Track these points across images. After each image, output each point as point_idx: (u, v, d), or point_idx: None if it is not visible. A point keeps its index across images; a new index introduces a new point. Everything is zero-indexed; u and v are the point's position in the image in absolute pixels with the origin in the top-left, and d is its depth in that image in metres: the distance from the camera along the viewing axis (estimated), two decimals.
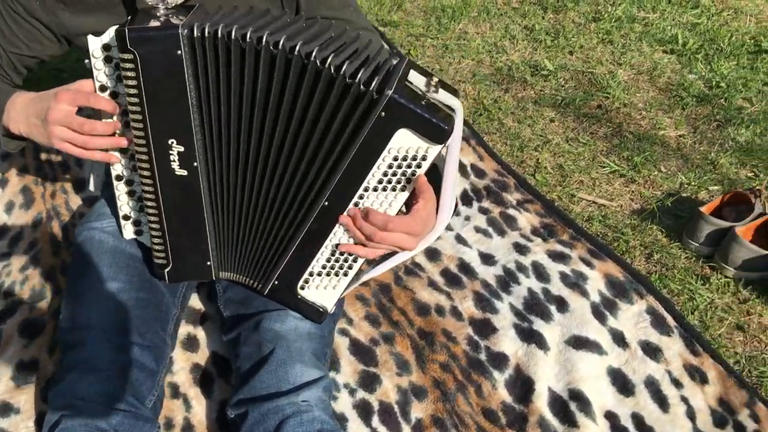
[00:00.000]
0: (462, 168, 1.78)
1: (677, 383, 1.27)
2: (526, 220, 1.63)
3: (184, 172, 1.03)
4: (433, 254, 1.53)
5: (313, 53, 0.88)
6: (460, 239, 1.58)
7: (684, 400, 1.25)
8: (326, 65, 0.88)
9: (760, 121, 1.98)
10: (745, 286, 1.47)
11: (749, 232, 1.52)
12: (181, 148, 1.01)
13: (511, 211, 1.65)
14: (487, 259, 1.53)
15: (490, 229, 1.61)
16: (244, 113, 0.96)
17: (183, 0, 0.99)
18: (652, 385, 1.27)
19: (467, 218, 1.64)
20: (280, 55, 0.90)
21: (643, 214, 1.65)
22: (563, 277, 1.46)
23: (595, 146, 1.87)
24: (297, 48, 0.88)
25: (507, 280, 1.47)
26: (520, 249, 1.54)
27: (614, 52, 2.29)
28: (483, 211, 1.66)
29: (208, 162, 1.02)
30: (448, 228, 1.62)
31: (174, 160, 1.02)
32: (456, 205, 1.07)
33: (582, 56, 2.26)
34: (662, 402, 1.25)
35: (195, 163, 1.02)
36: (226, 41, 0.91)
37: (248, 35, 0.90)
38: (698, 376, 1.29)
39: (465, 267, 1.51)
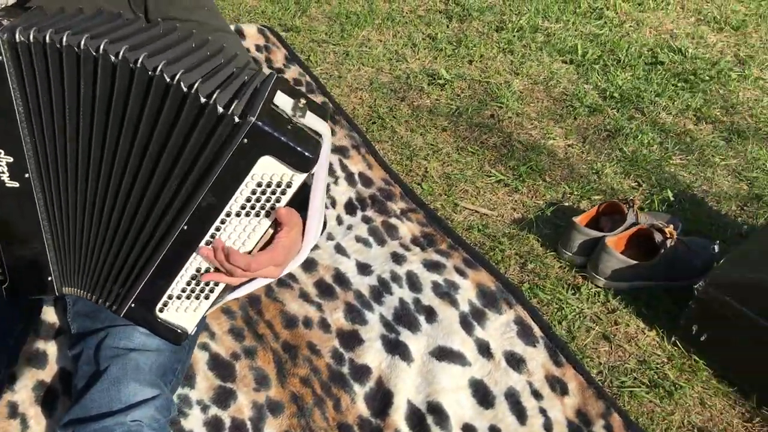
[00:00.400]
0: (350, 176, 1.76)
1: (537, 395, 1.27)
2: (408, 229, 1.61)
3: (16, 184, 0.98)
4: (309, 265, 1.50)
5: (160, 66, 0.81)
6: (339, 249, 1.56)
7: (542, 411, 1.25)
8: (175, 81, 0.81)
9: (648, 132, 2.02)
10: (615, 296, 1.48)
11: (621, 242, 1.53)
12: (10, 159, 0.95)
13: (394, 221, 1.63)
14: (364, 269, 1.51)
15: (371, 239, 1.59)
16: (82, 127, 0.90)
17: (16, 0, 0.94)
18: (512, 396, 1.27)
19: (349, 227, 1.62)
20: (121, 66, 0.83)
21: (522, 223, 1.66)
22: (435, 287, 1.45)
23: (484, 156, 1.87)
24: (141, 59, 0.82)
25: (380, 290, 1.45)
26: (397, 259, 1.52)
27: (513, 61, 2.30)
28: (366, 220, 1.64)
29: (42, 174, 0.96)
30: (329, 237, 1.60)
31: (3, 171, 0.96)
32: (324, 225, 1.04)
33: (481, 66, 2.26)
34: (520, 414, 1.24)
35: (27, 175, 0.96)
36: (57, 47, 0.85)
37: (83, 42, 0.84)
38: (559, 387, 1.29)
39: (340, 277, 1.48)
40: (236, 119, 0.82)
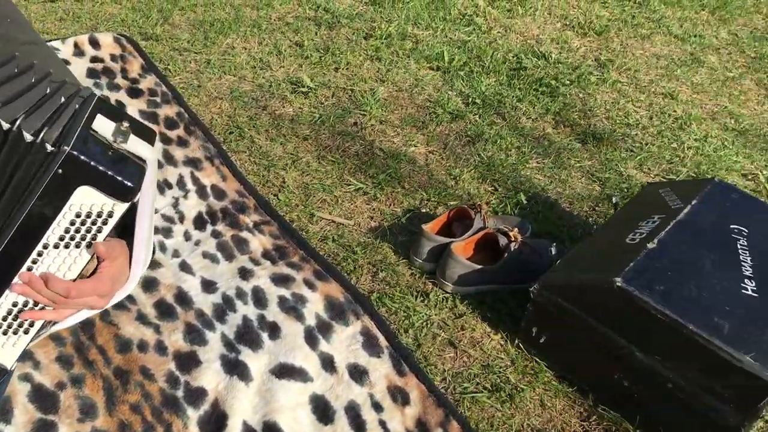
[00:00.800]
0: (201, 189, 1.71)
1: (378, 407, 1.25)
2: (259, 242, 1.57)
3: None
4: (150, 284, 1.44)
5: None
6: (184, 266, 1.50)
7: (382, 423, 1.23)
8: None
9: (507, 136, 2.05)
10: (462, 301, 1.48)
11: (469, 247, 1.54)
12: None
13: (245, 234, 1.58)
14: (209, 286, 1.45)
15: (219, 254, 1.53)
16: None
17: None
18: (352, 410, 1.24)
19: (197, 243, 1.56)
20: None
21: (377, 231, 1.64)
22: (282, 301, 1.42)
23: (344, 164, 1.85)
24: None
25: (224, 308, 1.40)
26: (245, 274, 1.48)
27: (380, 69, 2.30)
28: (215, 234, 1.58)
29: None
30: (175, 255, 1.53)
31: None
32: (153, 252, 0.99)
33: (347, 73, 2.25)
34: (360, 427, 1.22)
35: None
36: None
37: None
38: (401, 397, 1.27)
39: (182, 297, 1.42)
40: (49, 148, 0.76)
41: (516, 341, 1.41)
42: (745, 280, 1.26)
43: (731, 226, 1.38)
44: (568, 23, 2.85)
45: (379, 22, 2.59)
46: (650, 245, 1.28)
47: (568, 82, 2.38)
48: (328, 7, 2.63)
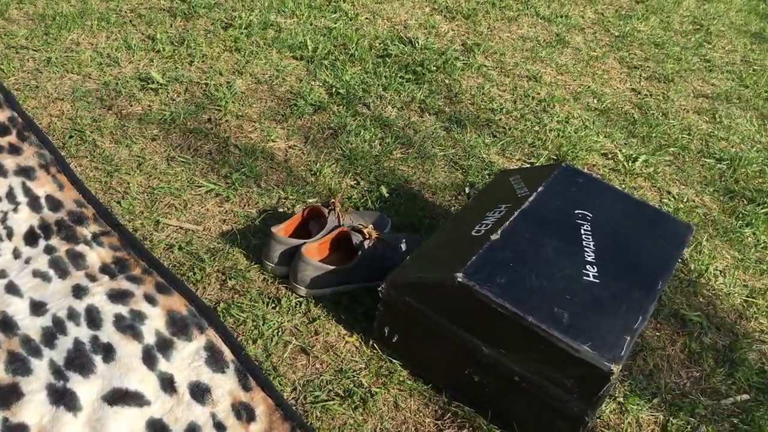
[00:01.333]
0: (34, 201, 1.57)
1: (220, 426, 1.18)
2: (98, 256, 1.45)
3: None
4: None
5: None
6: (11, 288, 1.37)
7: None
8: None
9: (371, 127, 2.00)
10: (317, 304, 1.43)
11: (324, 247, 1.48)
12: None
13: (82, 248, 1.47)
14: (38, 308, 1.33)
15: (51, 272, 1.41)
16: None
17: None
18: None
19: (27, 261, 1.43)
20: None
21: (229, 236, 1.56)
22: (118, 320, 1.31)
23: (196, 165, 1.75)
24: None
25: (54, 331, 1.29)
26: (79, 292, 1.36)
27: (239, 60, 2.20)
28: (48, 250, 1.46)
29: None
30: (1, 276, 1.40)
31: None
32: None
33: (203, 66, 2.13)
34: None
35: None
36: None
37: None
38: (246, 414, 1.20)
39: (6, 322, 1.30)
40: None
41: (371, 342, 1.37)
42: (587, 267, 1.26)
43: (576, 212, 1.37)
44: (436, 7, 2.83)
45: (240, 10, 2.48)
46: (493, 237, 1.26)
47: (434, 68, 2.36)
48: None
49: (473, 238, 1.30)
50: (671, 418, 1.36)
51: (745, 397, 1.45)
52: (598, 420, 1.33)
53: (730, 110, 2.56)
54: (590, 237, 1.32)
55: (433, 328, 1.25)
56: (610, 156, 2.12)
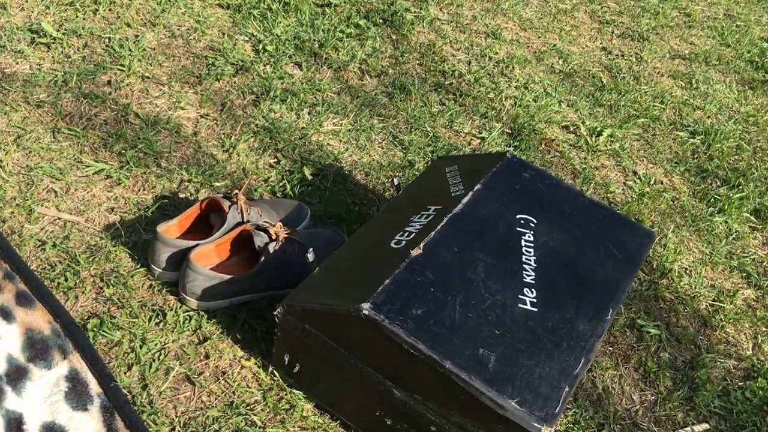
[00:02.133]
0: None
1: None
2: None
3: None
4: None
5: None
6: None
7: None
8: None
9: (299, 92, 1.74)
10: (210, 319, 1.20)
11: (223, 249, 1.25)
12: None
13: None
14: None
15: None
16: None
17: None
18: None
19: None
20: None
21: (114, 230, 1.31)
22: None
23: (86, 139, 1.49)
24: None
25: None
26: None
27: (154, 9, 1.90)
28: None
29: None
30: None
31: None
32: None
33: (108, 15, 1.84)
34: None
35: None
36: None
37: None
38: None
39: None
40: None
41: (270, 368, 1.15)
42: (525, 290, 1.04)
43: (517, 217, 1.15)
44: None
45: None
46: (414, 252, 1.03)
47: (380, 21, 2.08)
48: None
49: (391, 251, 1.07)
50: None
51: (705, 426, 1.27)
52: None
53: (708, 74, 2.33)
54: (531, 250, 1.10)
55: (338, 364, 1.04)
56: (571, 129, 1.89)
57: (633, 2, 2.63)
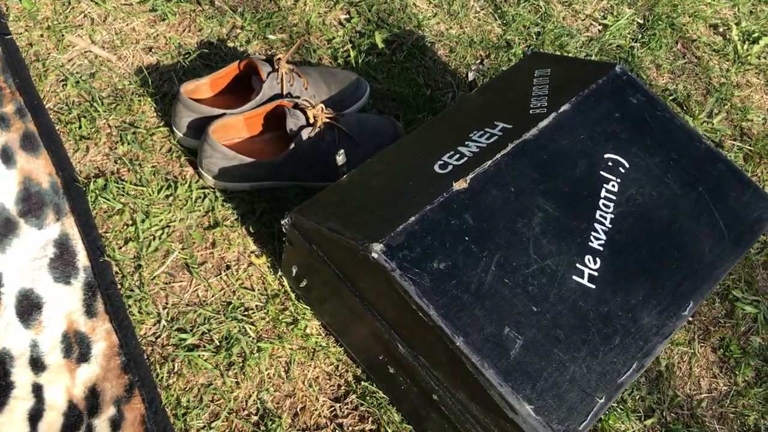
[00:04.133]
0: None
1: (38, 364, 0.89)
2: None
3: None
4: None
5: None
6: None
7: (37, 390, 0.88)
8: None
9: None
10: (226, 202, 1.05)
11: (256, 123, 1.07)
12: None
13: None
14: None
15: None
16: None
17: None
18: (1, 365, 0.88)
19: None
20: None
21: (146, 74, 1.16)
22: None
23: None
24: None
25: None
26: None
27: None
28: None
29: None
30: None
31: None
32: None
33: None
34: (2, 392, 0.86)
35: None
36: None
37: None
38: (78, 349, 0.91)
39: None
40: None
41: (280, 274, 1.00)
42: (587, 258, 0.81)
43: (606, 156, 0.90)
44: None
45: None
46: (457, 185, 0.82)
47: None
48: None
49: (432, 177, 0.85)
50: None
51: None
52: None
53: None
54: (611, 205, 0.86)
55: (344, 297, 0.87)
56: (721, 30, 1.51)
57: None
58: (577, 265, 0.81)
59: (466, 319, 0.74)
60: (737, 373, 1.10)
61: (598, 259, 0.82)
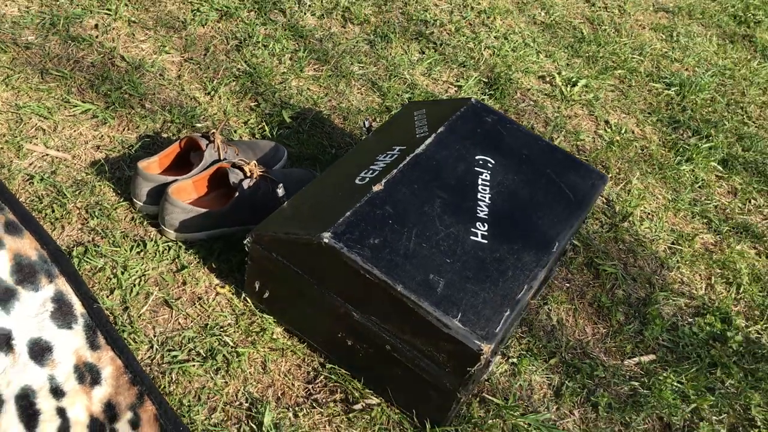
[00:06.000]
0: None
1: (58, 392, 1.06)
2: None
3: None
4: None
5: None
6: None
7: (60, 412, 1.04)
8: None
9: (282, 39, 1.79)
10: (188, 249, 1.28)
11: (201, 185, 1.32)
12: None
13: None
14: None
15: None
16: None
17: None
18: (25, 398, 1.05)
19: None
20: None
21: (99, 166, 1.39)
22: None
23: (73, 80, 1.55)
24: None
25: None
26: None
27: None
28: None
29: None
30: None
31: None
32: None
33: None
34: (31, 419, 1.03)
35: None
36: None
37: None
38: (90, 376, 1.09)
39: None
40: None
41: (243, 295, 1.24)
42: (477, 224, 1.12)
43: (477, 157, 1.22)
44: None
45: None
46: (375, 188, 1.11)
47: None
48: None
49: (355, 187, 1.14)
50: (567, 381, 1.27)
51: (651, 357, 1.36)
52: (487, 383, 1.23)
53: (690, 27, 2.37)
54: (487, 188, 1.18)
55: (303, 289, 1.12)
56: (547, 79, 1.94)
57: None
58: (472, 229, 1.11)
59: (401, 273, 1.02)
60: (611, 318, 1.42)
61: (486, 224, 1.13)
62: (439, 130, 1.24)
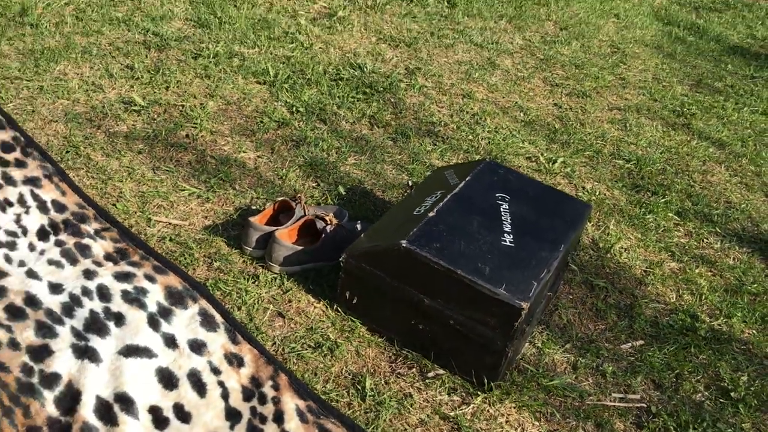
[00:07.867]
0: (42, 205, 1.84)
1: (216, 371, 1.47)
2: (101, 247, 1.73)
3: None
4: None
5: None
6: (31, 274, 1.64)
7: (221, 384, 1.45)
8: None
9: (328, 139, 2.32)
10: (289, 279, 1.73)
11: (293, 233, 1.79)
12: None
13: (87, 241, 1.74)
14: (56, 288, 1.61)
15: (63, 260, 1.68)
16: None
17: None
18: (194, 376, 1.45)
19: (42, 252, 1.70)
20: None
21: (211, 228, 1.85)
22: (125, 294, 1.60)
23: (178, 173, 2.04)
24: None
25: (71, 305, 1.56)
26: (89, 275, 1.64)
27: (209, 85, 2.50)
28: (59, 243, 1.73)
29: None
30: (21, 264, 1.67)
31: None
32: None
33: (177, 91, 2.43)
34: (201, 389, 1.43)
35: None
36: None
37: None
38: (236, 361, 1.50)
39: (31, 299, 1.57)
40: None
41: (335, 306, 1.68)
42: (505, 235, 1.59)
43: (496, 195, 1.72)
44: (382, 37, 3.19)
45: (207, 42, 2.80)
46: (430, 214, 1.59)
47: (381, 89, 2.70)
48: (156, 31, 2.80)
49: (414, 217, 1.63)
50: (580, 359, 1.70)
51: (641, 342, 1.80)
52: (520, 360, 1.66)
53: (639, 120, 2.97)
54: (508, 213, 1.67)
55: (385, 288, 1.57)
56: (533, 159, 2.49)
57: (577, 70, 3.31)
58: (501, 238, 1.60)
59: (459, 263, 1.49)
60: (607, 317, 1.87)
61: (511, 235, 1.61)
62: (467, 179, 1.75)
